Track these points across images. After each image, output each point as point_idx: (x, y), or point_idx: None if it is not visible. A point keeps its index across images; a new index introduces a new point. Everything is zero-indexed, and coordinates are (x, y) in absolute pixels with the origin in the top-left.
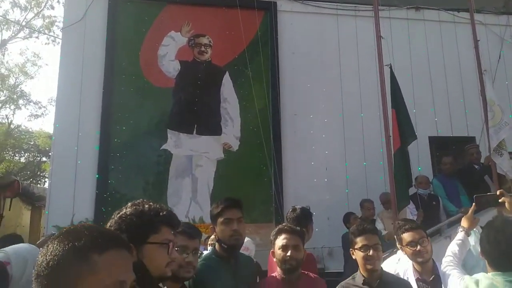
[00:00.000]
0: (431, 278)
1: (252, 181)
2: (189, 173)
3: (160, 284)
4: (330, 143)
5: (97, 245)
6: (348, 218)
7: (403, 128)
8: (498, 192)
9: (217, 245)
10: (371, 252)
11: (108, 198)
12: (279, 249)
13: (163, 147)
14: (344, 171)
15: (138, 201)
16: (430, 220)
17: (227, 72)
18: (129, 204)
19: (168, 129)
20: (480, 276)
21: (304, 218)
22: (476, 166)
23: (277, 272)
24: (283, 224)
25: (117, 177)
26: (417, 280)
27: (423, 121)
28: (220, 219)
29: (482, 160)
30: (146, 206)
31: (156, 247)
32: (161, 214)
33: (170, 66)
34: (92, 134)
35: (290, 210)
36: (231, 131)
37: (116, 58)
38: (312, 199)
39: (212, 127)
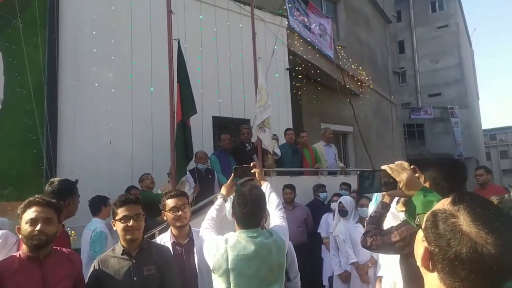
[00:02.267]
0: (185, 242)
1: (17, 153)
2: None
3: None
4: (116, 115)
5: None
6: (129, 191)
7: (185, 102)
8: (251, 164)
9: None
10: (131, 223)
11: None
12: (26, 223)
13: None
14: (130, 145)
15: None
16: (206, 191)
17: None
18: None
19: None
20: (229, 234)
21: (62, 191)
22: (247, 145)
23: (21, 250)
24: (35, 196)
25: None
26: (173, 244)
27: (208, 101)
28: None
29: (254, 140)
30: None
31: None
32: None
33: None
34: None
35: (48, 183)
36: None
37: None
38: (93, 172)
39: None
